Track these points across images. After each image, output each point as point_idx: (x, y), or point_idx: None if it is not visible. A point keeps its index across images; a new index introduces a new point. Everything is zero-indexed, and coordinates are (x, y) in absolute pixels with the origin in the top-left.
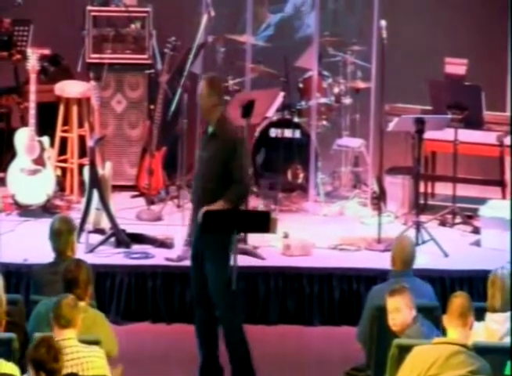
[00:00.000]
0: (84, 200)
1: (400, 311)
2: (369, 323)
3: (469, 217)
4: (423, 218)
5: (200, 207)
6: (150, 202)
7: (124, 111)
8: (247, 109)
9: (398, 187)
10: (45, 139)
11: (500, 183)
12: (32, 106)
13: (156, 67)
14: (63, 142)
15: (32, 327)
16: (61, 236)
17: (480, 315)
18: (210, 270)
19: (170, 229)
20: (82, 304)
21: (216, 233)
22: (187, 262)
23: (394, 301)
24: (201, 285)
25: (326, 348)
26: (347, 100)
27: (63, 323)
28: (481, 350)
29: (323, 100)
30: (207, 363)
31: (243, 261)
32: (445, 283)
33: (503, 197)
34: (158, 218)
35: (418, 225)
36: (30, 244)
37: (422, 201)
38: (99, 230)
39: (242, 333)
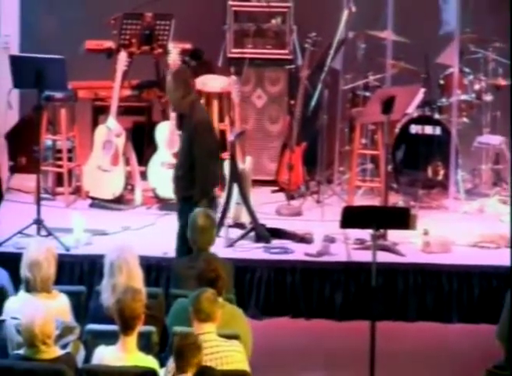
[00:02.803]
0: (224, 194)
1: None
2: (508, 321)
3: None
4: None
5: (174, 195)
6: (290, 197)
7: (265, 106)
8: (388, 105)
9: None
10: None
11: None
12: None
13: (296, 63)
14: None
15: (170, 323)
16: (205, 233)
17: None
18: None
19: (309, 225)
20: (220, 299)
21: (356, 228)
22: (327, 258)
23: None
24: None
25: (465, 346)
26: (488, 97)
27: (203, 317)
28: None
29: (464, 97)
30: None
31: (382, 257)
32: None
33: None
34: (298, 214)
35: None
36: (171, 238)
37: None
38: (238, 225)
39: None
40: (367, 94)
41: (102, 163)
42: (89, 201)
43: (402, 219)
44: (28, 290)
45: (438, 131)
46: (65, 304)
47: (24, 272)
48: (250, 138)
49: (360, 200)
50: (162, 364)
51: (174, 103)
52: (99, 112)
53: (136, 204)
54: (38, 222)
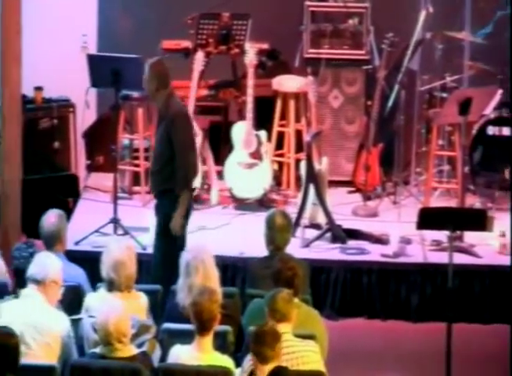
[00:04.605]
0: (300, 194)
1: None
2: None
3: None
4: None
5: (152, 190)
6: (367, 198)
7: (341, 107)
8: (465, 106)
9: None
10: (262, 133)
11: None
12: (250, 100)
13: (373, 63)
14: (280, 136)
15: (246, 323)
16: (283, 232)
17: None
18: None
19: (386, 226)
20: (296, 300)
21: (432, 230)
22: (403, 259)
23: None
24: None
25: None
26: None
27: (278, 317)
28: None
29: None
30: None
31: (459, 259)
32: None
33: None
34: (374, 215)
35: None
36: (247, 238)
37: None
38: (315, 225)
39: None
40: (444, 95)
41: None
42: None
43: (479, 221)
44: (111, 289)
45: None
46: (143, 303)
47: (108, 272)
48: (327, 138)
49: (436, 202)
50: (238, 364)
51: (149, 94)
52: None
53: (212, 203)
54: (115, 220)
